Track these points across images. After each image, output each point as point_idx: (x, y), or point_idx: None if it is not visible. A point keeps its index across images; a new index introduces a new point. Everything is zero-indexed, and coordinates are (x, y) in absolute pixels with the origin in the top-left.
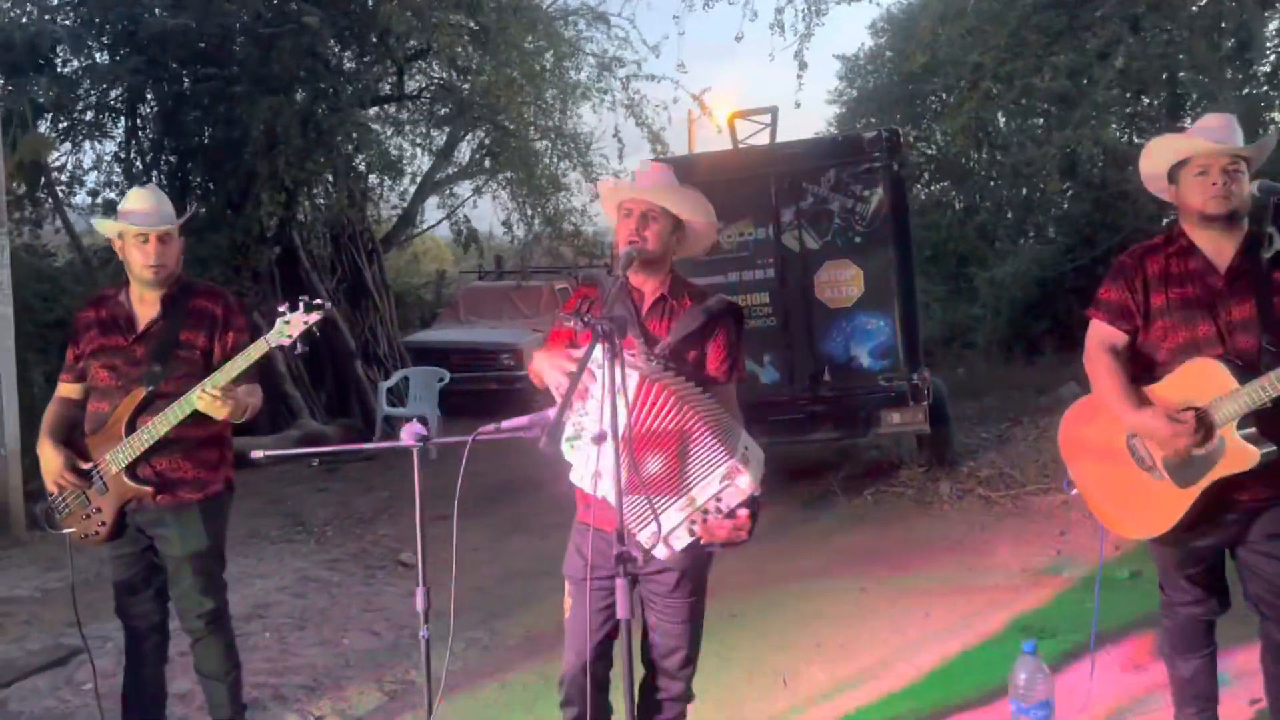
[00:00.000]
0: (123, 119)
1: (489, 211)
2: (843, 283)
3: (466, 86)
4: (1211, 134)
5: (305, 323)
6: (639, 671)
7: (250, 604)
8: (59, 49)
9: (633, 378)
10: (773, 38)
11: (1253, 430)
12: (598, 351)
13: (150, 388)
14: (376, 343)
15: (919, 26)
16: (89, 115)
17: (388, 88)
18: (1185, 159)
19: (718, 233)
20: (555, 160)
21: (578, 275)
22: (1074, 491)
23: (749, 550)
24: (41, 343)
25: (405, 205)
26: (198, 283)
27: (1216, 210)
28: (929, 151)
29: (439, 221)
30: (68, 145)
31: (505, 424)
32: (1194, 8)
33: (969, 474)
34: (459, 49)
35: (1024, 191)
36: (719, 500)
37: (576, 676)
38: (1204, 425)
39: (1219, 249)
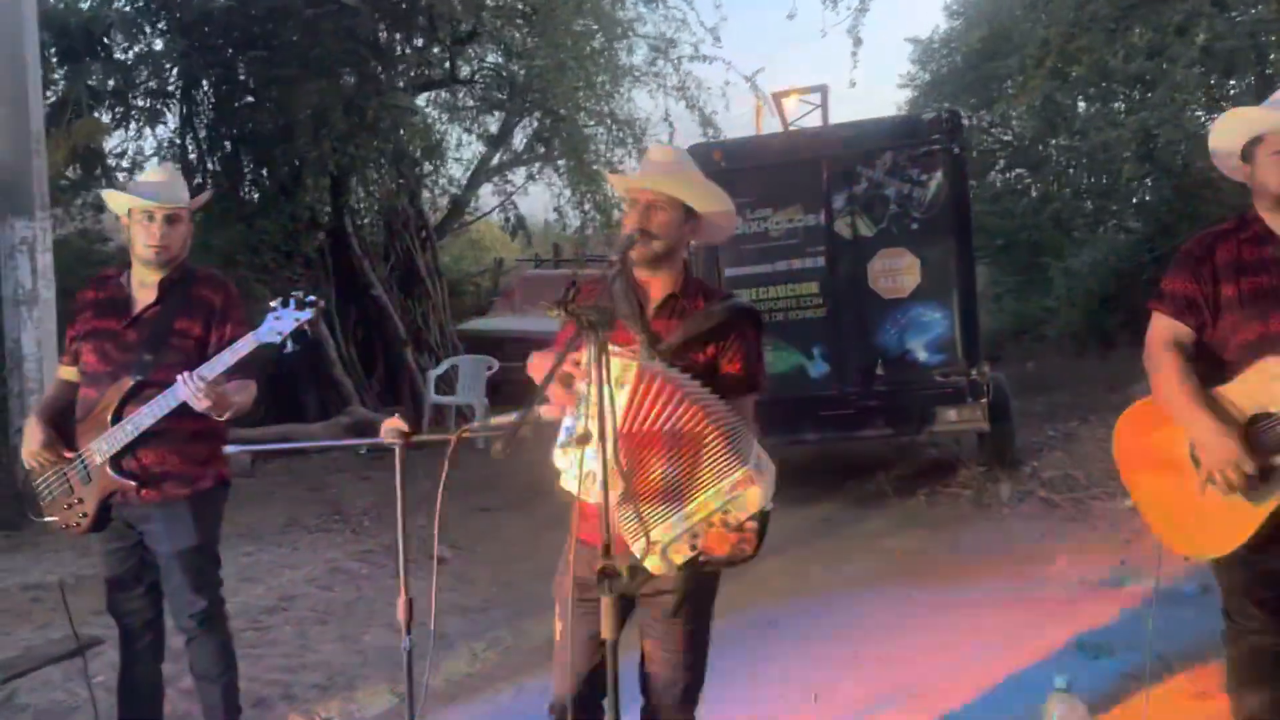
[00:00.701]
0: (177, 104)
1: (545, 199)
2: (898, 272)
3: (521, 71)
4: None
5: (296, 320)
6: (638, 701)
7: (277, 595)
8: (113, 34)
9: (630, 371)
10: (825, 13)
11: None
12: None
13: (138, 377)
14: (428, 330)
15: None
16: (144, 101)
17: (440, 73)
18: (1261, 135)
19: (764, 220)
20: (610, 147)
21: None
22: (1130, 504)
23: (792, 553)
24: None
25: (459, 192)
26: (201, 269)
27: None
28: (1005, 137)
29: (493, 209)
30: (128, 131)
31: (495, 420)
32: None
33: (1031, 475)
34: (510, 32)
35: (1103, 179)
36: (726, 513)
37: (564, 709)
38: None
39: None
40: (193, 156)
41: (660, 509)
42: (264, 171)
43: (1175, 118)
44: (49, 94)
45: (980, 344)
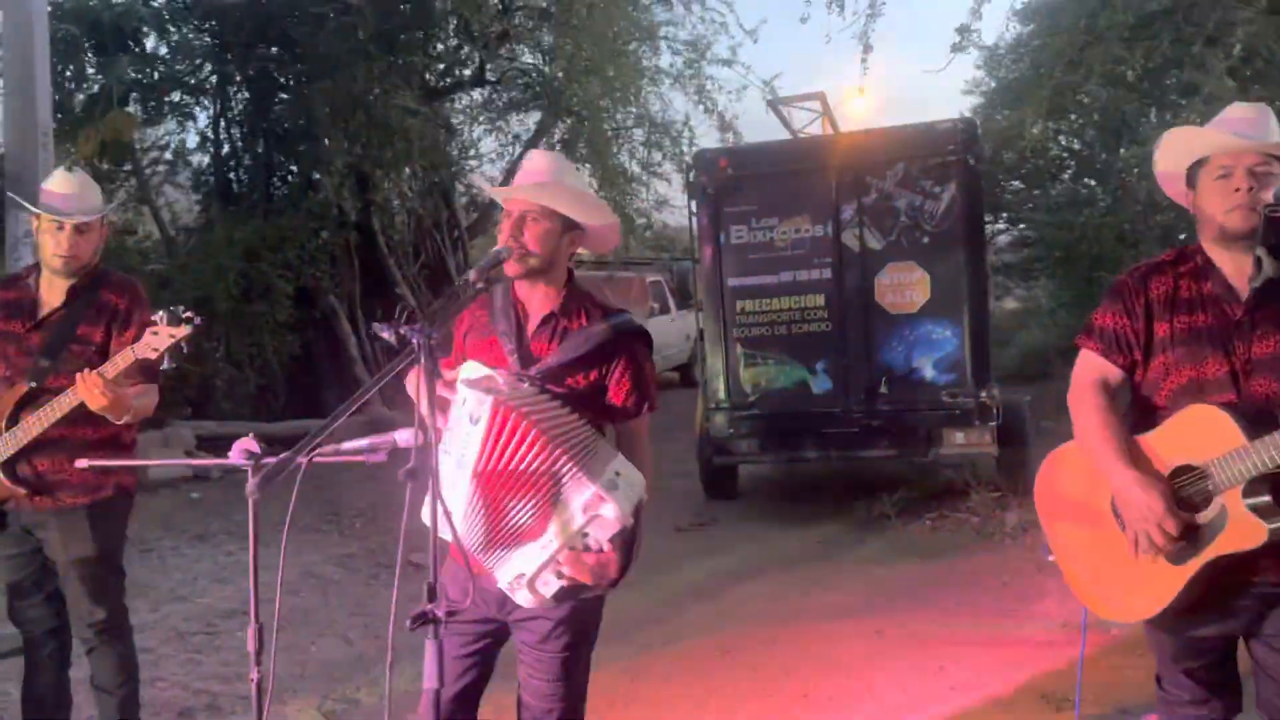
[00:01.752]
0: (206, 99)
1: None
2: (907, 286)
3: (546, 69)
4: (1236, 127)
5: (172, 337)
6: None
7: (241, 598)
8: (144, 29)
9: (485, 406)
10: (831, 18)
11: (1265, 500)
12: (470, 370)
13: (33, 383)
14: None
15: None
16: (178, 96)
17: (470, 74)
18: (1204, 158)
19: (770, 229)
20: (648, 149)
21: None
22: (1051, 558)
23: (773, 577)
24: None
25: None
26: (112, 274)
27: (1238, 224)
28: (1074, 146)
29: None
30: (170, 124)
31: (346, 445)
32: None
33: None
34: (541, 35)
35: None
36: (585, 536)
37: None
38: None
39: (1241, 271)
40: (226, 149)
41: (519, 545)
42: (294, 168)
43: None
44: (84, 86)
45: (990, 364)
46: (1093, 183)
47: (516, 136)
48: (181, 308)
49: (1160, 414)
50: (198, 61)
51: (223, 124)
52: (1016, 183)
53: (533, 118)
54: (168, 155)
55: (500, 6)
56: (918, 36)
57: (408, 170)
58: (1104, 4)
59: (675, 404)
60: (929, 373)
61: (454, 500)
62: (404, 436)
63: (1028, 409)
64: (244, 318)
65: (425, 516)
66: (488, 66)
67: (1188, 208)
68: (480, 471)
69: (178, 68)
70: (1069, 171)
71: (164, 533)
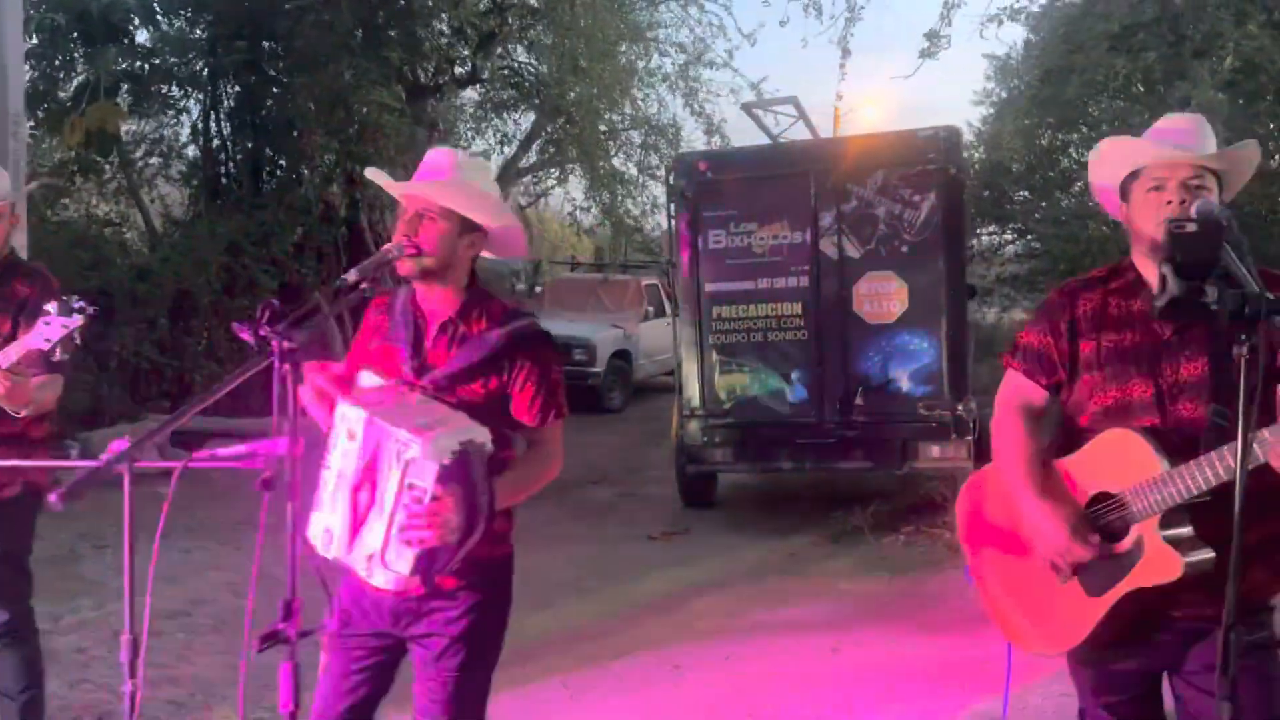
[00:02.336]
0: (196, 92)
1: (581, 201)
2: (884, 296)
3: (538, 69)
4: (1170, 138)
5: (65, 328)
6: None
7: (187, 599)
8: (134, 20)
9: (360, 424)
10: (807, 20)
11: (1182, 531)
12: (364, 380)
13: None
14: None
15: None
16: (166, 88)
17: (463, 72)
18: (1138, 169)
19: (749, 235)
20: (644, 153)
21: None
22: (972, 583)
23: (737, 590)
24: None
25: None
26: (23, 264)
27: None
28: (1082, 159)
29: (523, 209)
30: (162, 117)
31: (223, 451)
32: None
33: None
34: (534, 34)
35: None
36: (412, 488)
37: None
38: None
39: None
40: (216, 142)
41: (365, 524)
42: (283, 162)
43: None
44: (72, 76)
45: (969, 377)
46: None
47: (505, 136)
48: (75, 298)
49: (1085, 436)
50: (189, 55)
51: (213, 117)
52: (1025, 193)
53: (527, 118)
54: (163, 148)
55: (491, 4)
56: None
57: (402, 167)
58: (1085, 13)
59: (667, 410)
60: (905, 384)
61: (336, 519)
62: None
63: None
64: (226, 312)
65: (309, 534)
66: (479, 65)
67: (1123, 222)
68: (356, 488)
69: (171, 60)
70: (1079, 184)
71: (121, 528)
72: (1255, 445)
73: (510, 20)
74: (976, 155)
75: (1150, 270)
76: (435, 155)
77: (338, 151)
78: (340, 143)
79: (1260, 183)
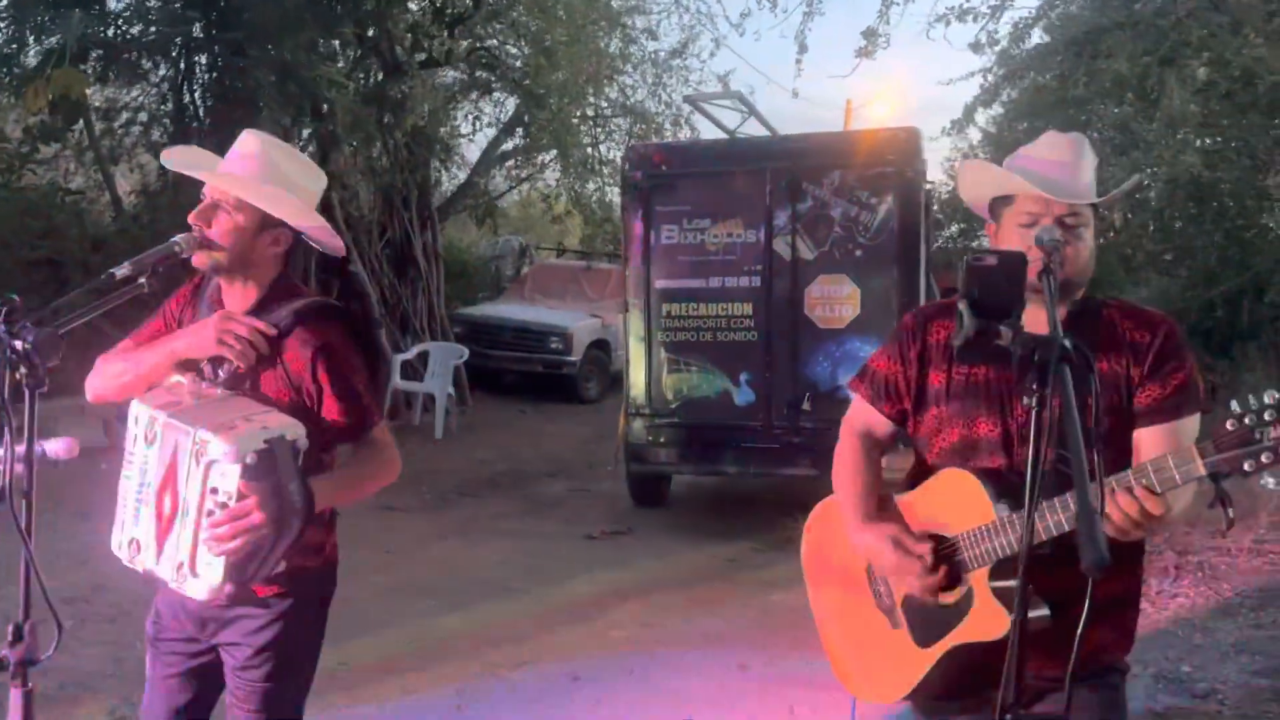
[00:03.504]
0: (165, 62)
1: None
2: (837, 300)
3: (514, 51)
4: (1045, 170)
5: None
6: None
7: (91, 584)
8: None
9: (157, 425)
10: (760, 10)
11: (1012, 584)
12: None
13: None
14: (415, 313)
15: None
16: (135, 56)
17: (439, 52)
18: (1009, 196)
19: (701, 231)
20: (630, 140)
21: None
22: (814, 619)
23: (659, 598)
24: (10, 281)
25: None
26: None
27: (1039, 278)
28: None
29: (503, 193)
30: (106, 85)
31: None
32: None
33: None
34: (513, 14)
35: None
36: (214, 491)
37: None
38: (948, 564)
39: (1038, 323)
40: (189, 112)
41: (169, 533)
42: None
43: (1172, 157)
44: (40, 41)
45: None
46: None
47: (477, 118)
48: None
49: (930, 473)
50: (158, 22)
51: (185, 88)
52: None
53: (510, 102)
54: (142, 117)
55: None
56: (937, 42)
57: (379, 145)
58: (1040, 15)
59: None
60: None
61: (142, 529)
62: (54, 446)
63: None
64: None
65: (114, 546)
66: (453, 47)
67: (990, 241)
68: (159, 494)
69: (151, 29)
70: None
71: (50, 505)
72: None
73: (486, 0)
74: (982, 155)
75: (1028, 307)
76: (244, 141)
77: (294, 129)
78: (295, 119)
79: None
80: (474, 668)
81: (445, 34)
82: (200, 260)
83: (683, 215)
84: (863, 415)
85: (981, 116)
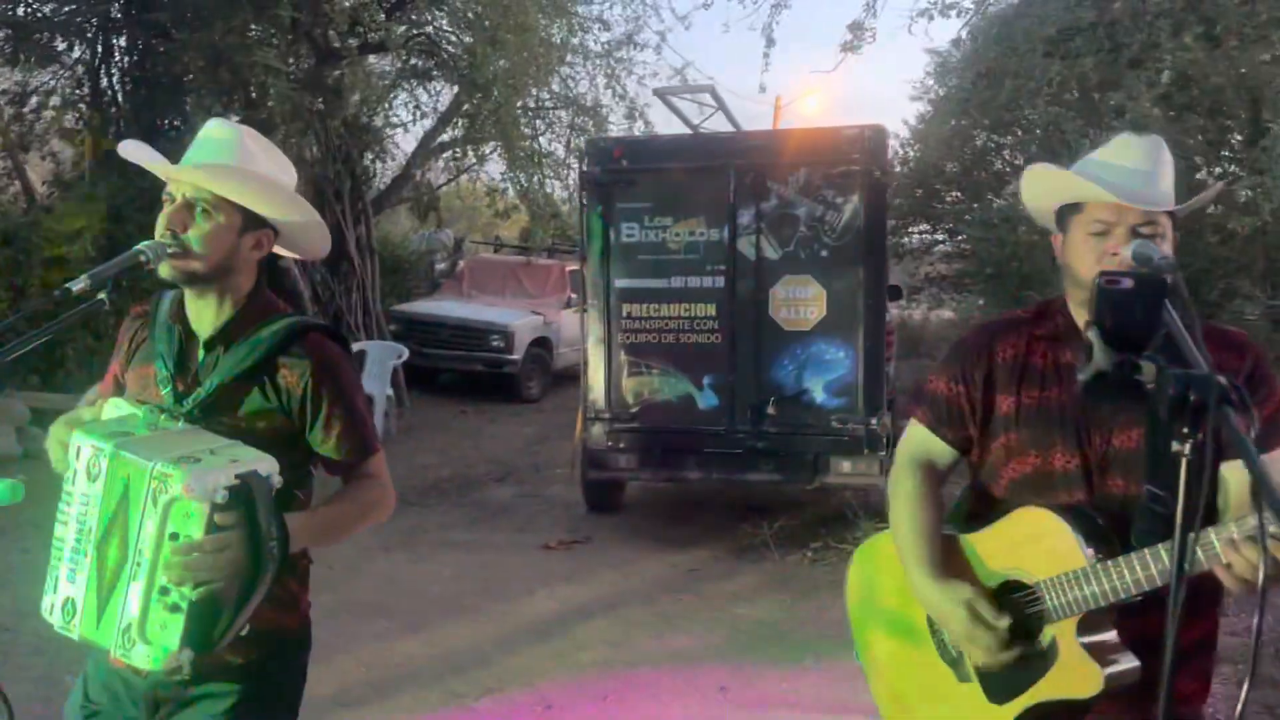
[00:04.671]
0: (78, 42)
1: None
2: (802, 302)
3: (454, 38)
4: (1120, 178)
5: None
6: None
7: (11, 611)
8: None
9: (102, 459)
10: (731, 6)
11: (1106, 638)
12: (112, 409)
13: None
14: (349, 311)
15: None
16: (48, 37)
17: (375, 37)
18: (1080, 204)
19: (663, 230)
20: (572, 134)
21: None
22: (859, 664)
23: (626, 614)
24: None
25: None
26: None
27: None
28: (1017, 162)
29: (442, 185)
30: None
31: None
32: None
33: None
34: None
35: None
36: (174, 539)
37: None
38: (1027, 614)
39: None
40: (109, 96)
41: (115, 586)
42: (178, 123)
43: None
44: None
45: (884, 390)
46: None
47: (417, 106)
48: None
49: (999, 508)
50: (73, 3)
51: (103, 72)
52: (957, 194)
53: (448, 91)
54: (55, 101)
55: None
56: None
57: (310, 134)
58: (1020, 14)
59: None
60: (819, 395)
61: (79, 587)
62: None
63: None
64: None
65: (44, 609)
66: (391, 32)
67: (1057, 256)
68: (102, 541)
69: (65, 7)
70: (1010, 187)
71: None
72: (1198, 549)
73: None
74: (911, 153)
75: (1083, 317)
76: (215, 129)
77: (225, 115)
78: (226, 106)
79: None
80: (436, 697)
81: (383, 18)
82: (170, 270)
83: (643, 212)
84: (922, 443)
85: (913, 110)
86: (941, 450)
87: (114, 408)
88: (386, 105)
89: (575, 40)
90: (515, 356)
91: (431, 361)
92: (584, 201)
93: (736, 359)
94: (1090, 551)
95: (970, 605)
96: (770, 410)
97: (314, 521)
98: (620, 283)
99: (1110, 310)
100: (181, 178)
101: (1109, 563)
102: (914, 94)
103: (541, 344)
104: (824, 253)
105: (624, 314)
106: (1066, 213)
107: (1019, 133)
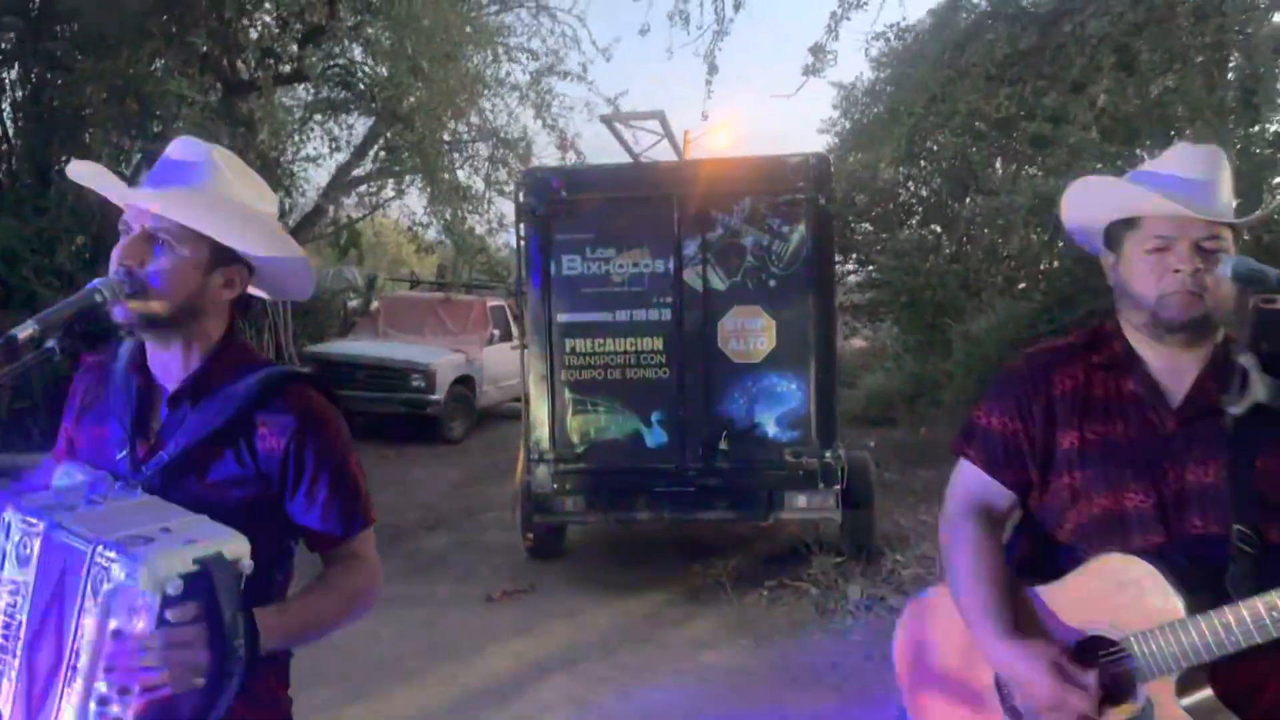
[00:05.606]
0: None
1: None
2: (751, 333)
3: (370, 69)
4: (1183, 189)
5: None
6: None
7: None
8: None
9: (35, 543)
10: (672, 30)
11: (1205, 697)
12: (61, 478)
13: None
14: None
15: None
16: None
17: (286, 69)
18: (1136, 219)
19: (606, 261)
20: (495, 165)
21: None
22: None
23: (587, 669)
24: None
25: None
26: None
27: (1175, 313)
28: (922, 193)
29: (357, 220)
30: None
31: None
32: (1195, 38)
33: (891, 571)
34: (368, 30)
35: (1011, 241)
36: (118, 637)
37: None
38: (1119, 687)
39: (1175, 368)
40: None
41: (49, 698)
42: (73, 158)
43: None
44: None
45: (837, 421)
46: (939, 229)
47: (335, 140)
48: None
49: (1063, 555)
50: None
51: None
52: (867, 225)
53: (363, 123)
54: None
55: None
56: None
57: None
58: (970, 37)
59: (513, 441)
60: (771, 429)
61: (3, 696)
62: None
63: (872, 466)
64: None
65: None
66: (307, 62)
67: (1107, 273)
68: (33, 640)
69: None
70: (917, 217)
71: None
72: None
73: (341, 14)
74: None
75: (1142, 343)
76: (182, 148)
77: (129, 149)
78: (133, 139)
79: None
80: None
81: (295, 49)
82: (126, 314)
83: (585, 244)
84: (977, 487)
85: (820, 143)
86: (999, 494)
87: (65, 475)
88: (300, 138)
89: (502, 71)
90: (438, 397)
91: (349, 405)
92: (521, 234)
93: (685, 393)
94: (1183, 599)
95: (1057, 665)
96: (723, 445)
97: (287, 619)
98: (562, 317)
99: (1270, 336)
100: (139, 203)
101: (1212, 614)
102: (821, 127)
103: (464, 382)
104: (772, 282)
105: (567, 349)
106: (1119, 230)
107: (923, 164)
